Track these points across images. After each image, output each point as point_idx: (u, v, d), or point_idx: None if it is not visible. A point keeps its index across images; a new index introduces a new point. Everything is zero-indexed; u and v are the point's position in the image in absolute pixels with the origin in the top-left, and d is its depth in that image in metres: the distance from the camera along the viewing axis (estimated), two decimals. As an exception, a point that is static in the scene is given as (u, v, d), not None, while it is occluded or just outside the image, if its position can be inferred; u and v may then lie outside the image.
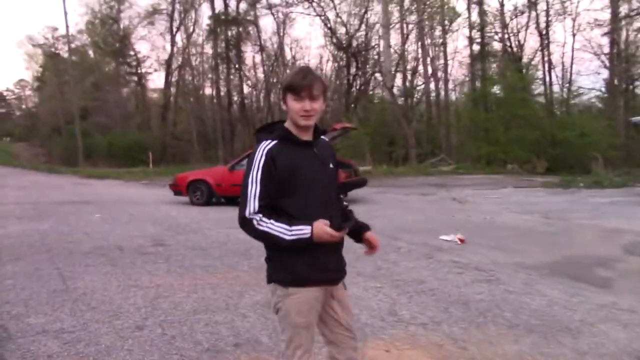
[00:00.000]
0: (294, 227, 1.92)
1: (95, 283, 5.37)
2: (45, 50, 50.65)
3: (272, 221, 1.94)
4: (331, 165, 2.17)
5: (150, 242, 7.67)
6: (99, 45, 45.07)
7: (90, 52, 48.67)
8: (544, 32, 32.64)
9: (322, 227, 1.93)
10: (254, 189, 1.97)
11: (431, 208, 11.44)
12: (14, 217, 10.27)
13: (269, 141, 2.04)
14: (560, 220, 9.41)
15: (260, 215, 1.95)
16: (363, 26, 36.75)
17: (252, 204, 1.95)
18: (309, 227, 1.92)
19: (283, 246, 1.95)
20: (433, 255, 6.69)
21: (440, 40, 37.64)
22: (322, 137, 2.21)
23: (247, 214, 1.96)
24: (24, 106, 68.34)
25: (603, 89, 28.53)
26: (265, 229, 1.94)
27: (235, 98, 40.78)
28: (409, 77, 37.13)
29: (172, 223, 9.68)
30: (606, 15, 30.16)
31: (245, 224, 1.97)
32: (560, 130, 24.07)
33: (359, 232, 2.27)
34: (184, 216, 10.70)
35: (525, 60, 32.92)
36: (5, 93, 70.25)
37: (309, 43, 76.71)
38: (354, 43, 36.43)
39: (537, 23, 32.97)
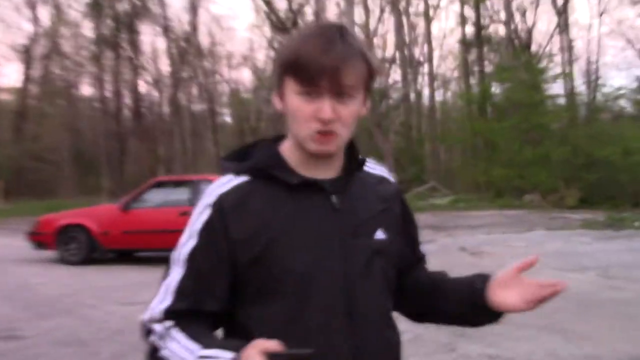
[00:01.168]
0: (208, 352, 1.44)
1: None
2: None
3: (182, 336, 1.49)
4: (378, 236, 1.63)
5: (-6, 333, 7.01)
6: None
7: None
8: (561, 11, 33.64)
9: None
10: (174, 274, 1.56)
11: (431, 264, 10.92)
12: None
13: (231, 179, 1.59)
14: (630, 282, 9.28)
15: (170, 324, 1.51)
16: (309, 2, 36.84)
17: (162, 302, 1.53)
18: (230, 355, 1.40)
19: None
20: (455, 346, 6.30)
21: (423, 21, 38.17)
22: (372, 170, 1.74)
23: (146, 316, 1.54)
24: None
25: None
26: (167, 353, 1.49)
27: (128, 101, 39.95)
28: (382, 70, 37.30)
29: (32, 297, 9.19)
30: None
31: (143, 333, 1.55)
32: (598, 146, 24.22)
33: (477, 296, 1.65)
34: (51, 284, 10.21)
35: (535, 48, 33.76)
36: None
37: (235, 23, 76.83)
38: (301, 22, 36.31)
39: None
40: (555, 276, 9.54)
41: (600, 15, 34.83)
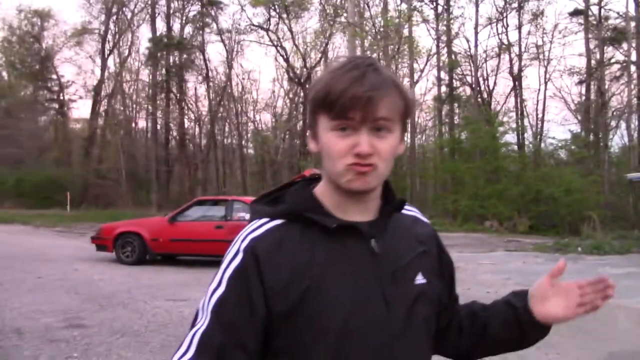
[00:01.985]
0: None
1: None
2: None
3: None
4: (419, 280, 1.27)
5: (63, 322, 6.61)
6: (15, 65, 43.24)
7: (4, 74, 46.68)
8: (516, 76, 33.76)
9: None
10: (201, 325, 1.17)
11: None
12: None
13: (265, 222, 1.22)
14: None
15: None
16: (323, 60, 36.77)
17: (185, 354, 1.15)
18: None
19: None
20: None
21: (407, 80, 38.11)
22: (405, 211, 1.36)
23: None
24: None
25: (576, 142, 29.42)
26: None
27: (174, 133, 39.85)
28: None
29: (94, 291, 8.81)
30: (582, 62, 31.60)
31: None
32: (545, 185, 24.14)
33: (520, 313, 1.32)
34: (109, 281, 9.87)
35: (495, 107, 33.90)
36: None
37: (259, 76, 77.10)
38: (313, 78, 36.32)
39: (511, 66, 34.16)
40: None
41: (546, 82, 34.97)
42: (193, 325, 1.18)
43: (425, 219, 1.41)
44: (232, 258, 1.18)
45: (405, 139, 1.30)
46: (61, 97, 44.02)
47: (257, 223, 1.21)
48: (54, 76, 43.58)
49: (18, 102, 43.41)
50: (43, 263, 11.74)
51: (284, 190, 1.31)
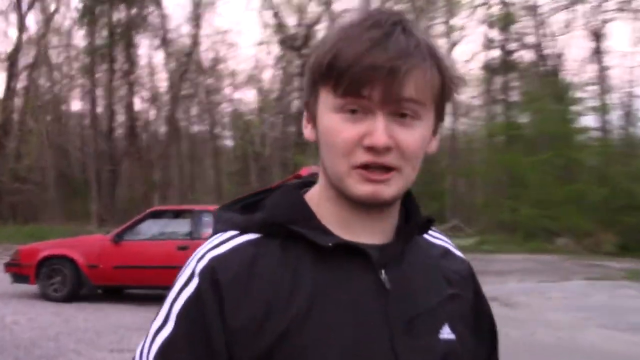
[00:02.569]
0: None
1: None
2: None
3: None
4: (445, 334, 1.20)
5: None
6: None
7: None
8: (596, 35, 33.57)
9: None
10: None
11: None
12: None
13: (232, 236, 1.17)
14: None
15: None
16: (326, 15, 36.89)
17: None
18: None
19: None
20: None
21: (444, 40, 38.12)
22: (433, 238, 1.32)
23: None
24: None
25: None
26: None
27: (122, 119, 39.95)
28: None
29: (6, 338, 8.91)
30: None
31: None
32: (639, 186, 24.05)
33: None
34: (29, 324, 9.96)
35: (567, 78, 33.69)
36: None
37: (238, 39, 77.15)
38: (312, 40, 36.38)
39: (589, 21, 33.96)
40: (606, 337, 9.20)
41: (640, 42, 34.70)
42: None
43: (459, 253, 1.34)
44: (184, 285, 1.12)
45: (441, 129, 1.24)
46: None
47: (221, 237, 1.15)
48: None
49: None
50: None
51: (264, 194, 1.25)
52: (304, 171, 12.11)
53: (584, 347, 8.69)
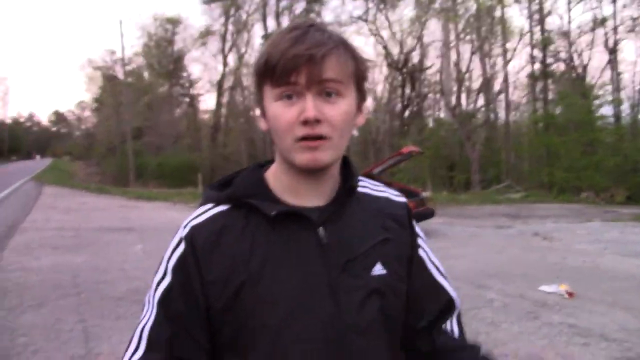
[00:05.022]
0: None
1: (123, 346, 4.32)
2: (104, 72, 52.17)
3: None
4: (377, 271, 1.03)
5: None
6: (154, 67, 46.01)
7: (145, 74, 49.81)
8: (611, 50, 30.96)
9: None
10: (148, 318, 1.00)
11: (513, 245, 10.11)
12: (50, 247, 9.58)
13: (209, 208, 1.04)
14: (682, 267, 8.05)
15: None
16: (419, 45, 35.79)
17: (135, 352, 0.98)
18: None
19: None
20: (539, 315, 5.52)
21: (500, 59, 36.26)
22: (375, 192, 1.13)
23: None
24: (83, 126, 72.19)
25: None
26: None
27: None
28: (470, 98, 36.09)
29: None
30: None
31: None
32: (644, 154, 22.23)
33: None
34: None
35: (590, 81, 31.35)
36: (66, 114, 74.42)
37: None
38: (410, 63, 35.45)
39: (606, 40, 31.34)
40: (618, 261, 8.58)
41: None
42: (141, 319, 1.03)
43: (400, 199, 1.14)
44: (175, 246, 1.01)
45: (368, 108, 1.07)
46: (191, 92, 46.29)
47: (202, 209, 1.04)
48: (185, 74, 45.94)
49: (157, 98, 46.28)
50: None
51: (238, 174, 1.10)
52: (405, 150, 11.74)
53: (602, 268, 8.13)
